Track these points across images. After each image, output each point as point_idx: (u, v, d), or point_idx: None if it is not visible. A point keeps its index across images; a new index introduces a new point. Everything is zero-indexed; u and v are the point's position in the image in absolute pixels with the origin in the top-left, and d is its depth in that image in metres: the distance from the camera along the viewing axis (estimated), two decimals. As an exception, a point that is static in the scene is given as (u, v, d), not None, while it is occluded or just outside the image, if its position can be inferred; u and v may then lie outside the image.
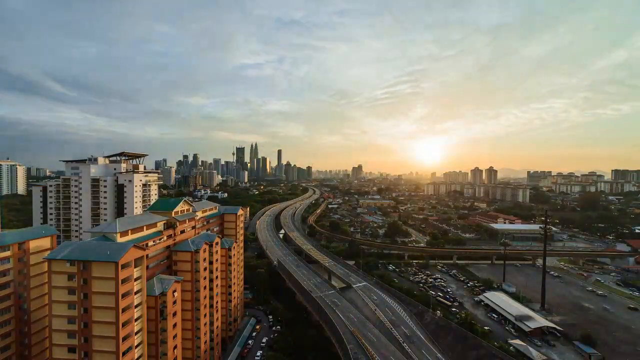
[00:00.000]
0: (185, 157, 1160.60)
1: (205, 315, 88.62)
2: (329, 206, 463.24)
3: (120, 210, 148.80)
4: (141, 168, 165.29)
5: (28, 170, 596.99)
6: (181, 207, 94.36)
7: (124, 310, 59.04)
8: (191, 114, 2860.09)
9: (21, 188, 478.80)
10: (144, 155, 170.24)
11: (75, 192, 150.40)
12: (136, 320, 63.10)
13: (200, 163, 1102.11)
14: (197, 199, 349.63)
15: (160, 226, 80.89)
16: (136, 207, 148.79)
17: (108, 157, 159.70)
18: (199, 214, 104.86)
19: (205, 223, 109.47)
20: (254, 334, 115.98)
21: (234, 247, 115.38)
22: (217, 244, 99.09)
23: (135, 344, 62.59)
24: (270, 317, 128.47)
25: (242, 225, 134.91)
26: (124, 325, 59.14)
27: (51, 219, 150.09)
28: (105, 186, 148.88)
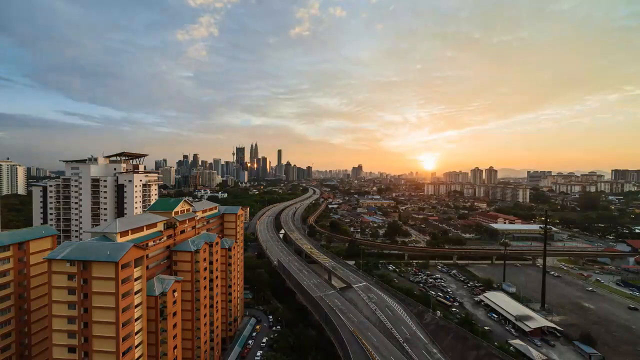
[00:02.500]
0: (185, 157, 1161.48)
1: (205, 315, 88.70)
2: (329, 206, 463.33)
3: (120, 210, 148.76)
4: (141, 168, 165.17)
5: (28, 170, 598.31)
6: (181, 207, 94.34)
7: (124, 310, 59.03)
8: (192, 114, 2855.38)
9: (21, 188, 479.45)
10: (144, 155, 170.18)
11: (75, 192, 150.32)
12: (136, 320, 63.06)
13: (200, 163, 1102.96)
14: (197, 199, 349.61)
15: (160, 226, 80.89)
16: (136, 207, 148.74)
17: (108, 157, 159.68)
18: (199, 214, 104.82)
19: (205, 223, 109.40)
20: (254, 334, 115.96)
21: (234, 247, 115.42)
22: (217, 244, 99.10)
23: (136, 344, 62.57)
24: (270, 317, 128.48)
25: (242, 225, 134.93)
26: (124, 325, 59.14)
27: (51, 219, 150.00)
28: (105, 186, 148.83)
